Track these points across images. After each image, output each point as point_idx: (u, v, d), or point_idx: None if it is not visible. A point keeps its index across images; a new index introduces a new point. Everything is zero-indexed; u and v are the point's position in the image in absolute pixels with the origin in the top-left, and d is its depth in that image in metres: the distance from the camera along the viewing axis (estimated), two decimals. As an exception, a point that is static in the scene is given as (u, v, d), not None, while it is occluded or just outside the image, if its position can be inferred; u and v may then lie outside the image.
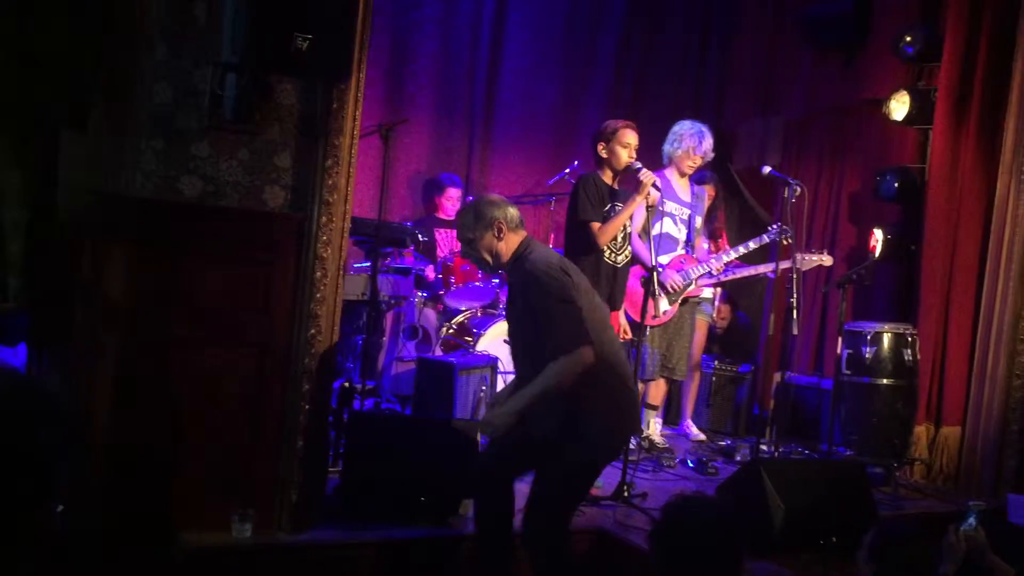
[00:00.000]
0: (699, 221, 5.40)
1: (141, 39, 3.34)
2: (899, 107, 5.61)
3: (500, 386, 5.53)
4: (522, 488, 3.28)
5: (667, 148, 5.22)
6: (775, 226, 5.09)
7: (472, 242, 3.19)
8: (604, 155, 4.36)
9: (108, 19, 3.36)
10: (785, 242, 5.05)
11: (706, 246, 5.67)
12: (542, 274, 3.08)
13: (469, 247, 3.21)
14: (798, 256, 5.15)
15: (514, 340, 3.37)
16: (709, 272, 5.27)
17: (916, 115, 5.57)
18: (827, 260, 5.30)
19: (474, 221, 3.18)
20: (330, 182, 3.55)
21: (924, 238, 5.41)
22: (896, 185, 5.60)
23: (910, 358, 5.07)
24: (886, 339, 5.06)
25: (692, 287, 5.25)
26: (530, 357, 3.15)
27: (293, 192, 3.58)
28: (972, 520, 3.03)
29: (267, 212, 3.54)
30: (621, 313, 4.62)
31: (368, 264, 5.00)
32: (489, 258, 3.20)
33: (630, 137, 4.35)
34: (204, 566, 3.31)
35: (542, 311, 3.05)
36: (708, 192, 5.61)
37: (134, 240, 3.33)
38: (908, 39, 5.63)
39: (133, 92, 3.36)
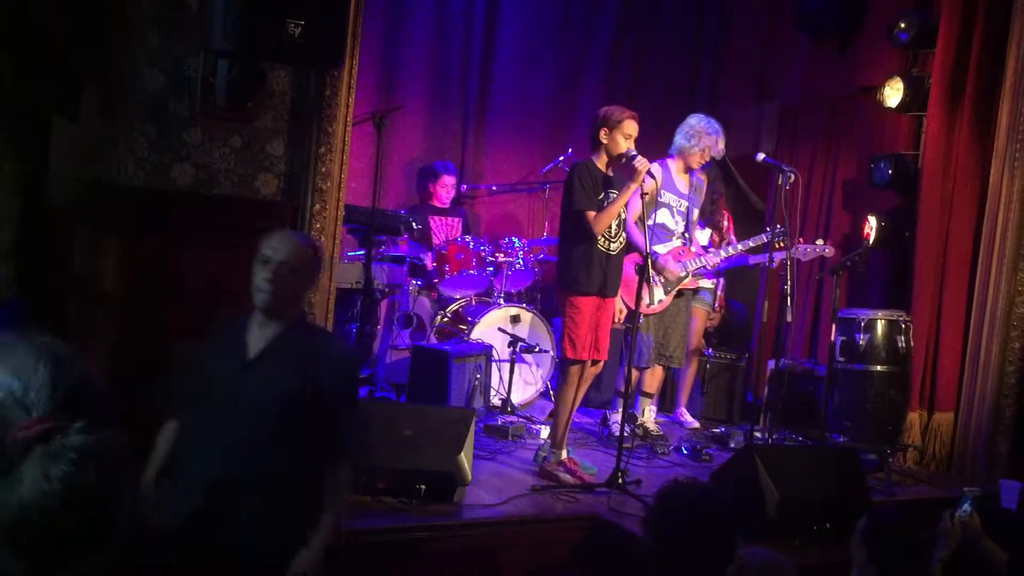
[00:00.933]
0: (696, 214, 5.39)
1: (133, 27, 3.32)
2: (893, 94, 5.60)
3: (495, 374, 5.55)
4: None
5: (681, 142, 5.17)
6: (778, 227, 5.05)
7: (296, 274, 2.54)
8: (604, 141, 4.34)
9: (100, 8, 3.34)
10: (780, 245, 5.05)
11: (705, 239, 5.65)
12: (359, 361, 2.71)
13: (290, 273, 2.52)
14: (800, 247, 5.14)
15: (258, 414, 2.48)
16: (705, 266, 5.27)
17: (910, 102, 5.56)
18: (829, 251, 5.30)
19: (313, 267, 2.64)
20: (323, 169, 3.55)
21: (918, 225, 5.41)
22: (890, 172, 5.60)
23: (903, 345, 5.08)
24: (879, 326, 5.08)
25: (688, 280, 5.25)
26: (281, 445, 2.47)
27: (286, 180, 3.58)
28: (967, 506, 3.05)
29: (260, 200, 3.54)
30: (618, 299, 4.62)
31: (362, 252, 4.99)
32: (286, 297, 2.54)
33: (632, 128, 4.33)
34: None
35: (349, 401, 2.64)
36: (704, 188, 5.58)
37: (126, 229, 3.33)
38: (902, 26, 5.62)
39: (125, 80, 3.35)
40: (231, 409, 2.48)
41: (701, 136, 5.12)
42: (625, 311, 4.89)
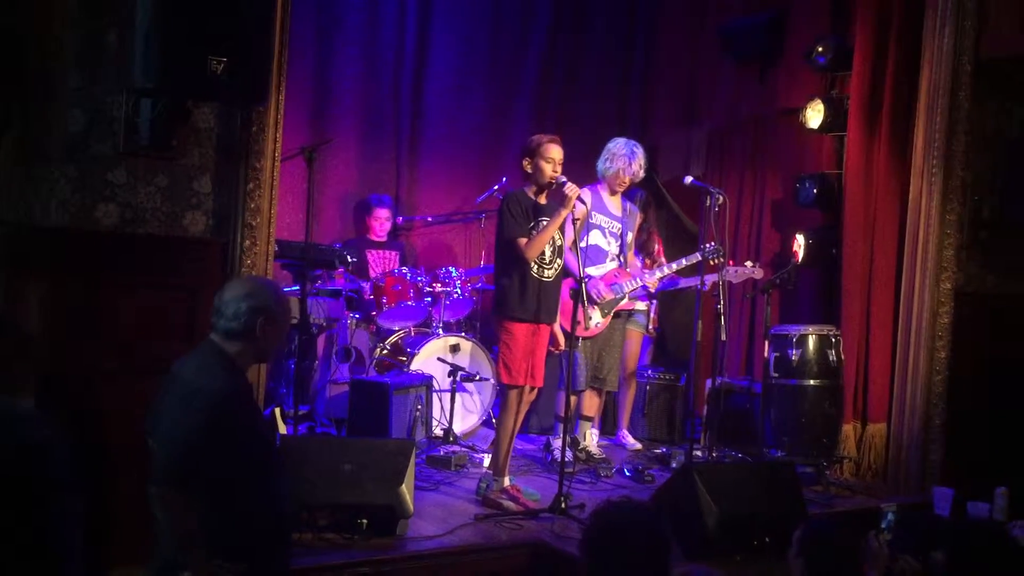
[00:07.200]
0: (630, 236, 5.46)
1: (53, 67, 3.28)
2: (814, 115, 5.76)
3: (436, 404, 5.53)
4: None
5: (599, 165, 5.30)
6: (710, 244, 5.14)
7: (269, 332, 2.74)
8: (529, 170, 4.39)
9: (19, 49, 3.29)
10: (714, 262, 5.14)
11: (639, 263, 5.73)
12: None
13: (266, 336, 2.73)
14: (730, 269, 5.24)
15: None
16: (643, 287, 5.34)
17: (831, 123, 5.72)
18: (758, 273, 5.40)
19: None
20: (252, 205, 3.53)
21: (843, 241, 5.56)
22: (815, 191, 5.75)
23: (834, 359, 5.20)
24: (811, 341, 5.19)
25: (624, 301, 5.31)
26: None
27: (215, 217, 3.55)
28: (890, 516, 3.11)
29: (189, 238, 3.50)
30: (556, 327, 4.64)
31: (297, 288, 4.96)
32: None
33: (554, 152, 4.38)
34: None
35: None
36: (638, 214, 5.65)
37: (50, 271, 3.26)
38: (820, 49, 5.79)
39: (46, 121, 3.29)
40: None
41: (614, 158, 5.22)
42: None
